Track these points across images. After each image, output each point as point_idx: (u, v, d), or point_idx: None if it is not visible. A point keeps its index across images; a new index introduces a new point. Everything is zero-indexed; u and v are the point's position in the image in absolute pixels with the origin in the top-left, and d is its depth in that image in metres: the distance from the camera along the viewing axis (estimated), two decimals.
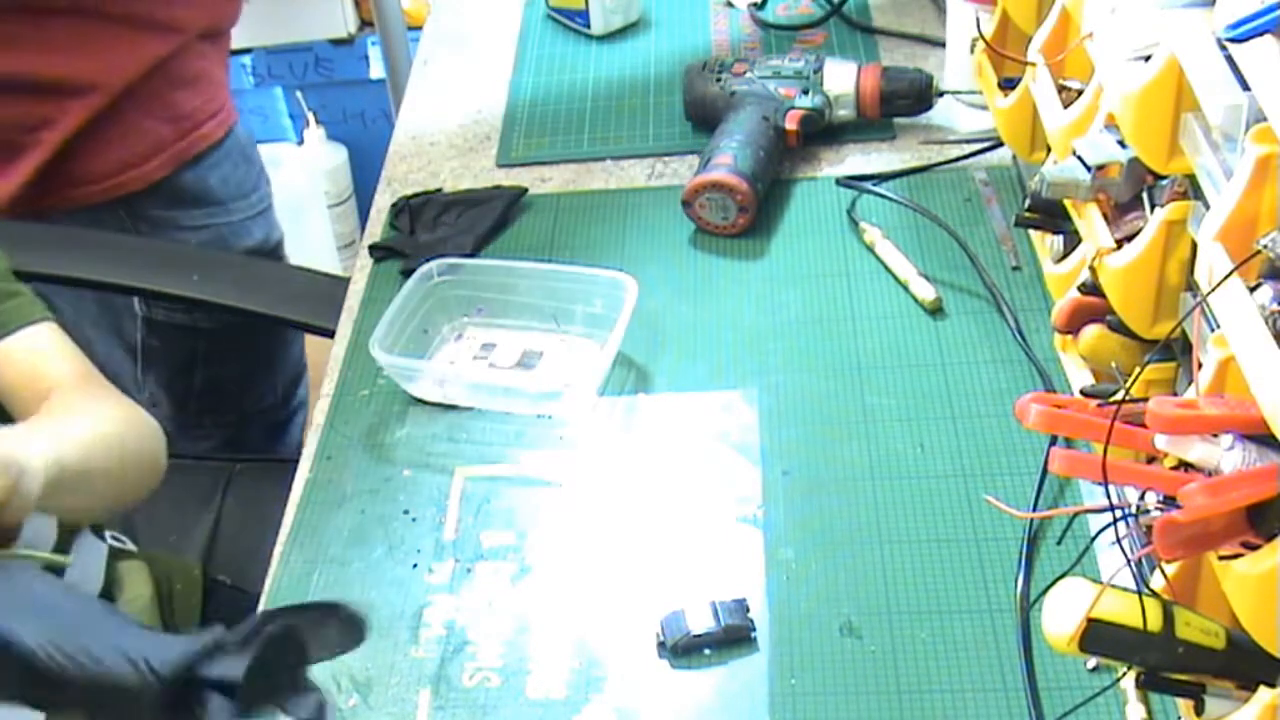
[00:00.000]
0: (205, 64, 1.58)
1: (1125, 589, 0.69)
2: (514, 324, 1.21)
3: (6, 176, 1.51)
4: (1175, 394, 0.89)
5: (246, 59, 2.71)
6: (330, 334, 1.26)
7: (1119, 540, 0.71)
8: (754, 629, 0.93)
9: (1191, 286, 0.85)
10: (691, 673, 0.92)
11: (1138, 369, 0.89)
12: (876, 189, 1.30)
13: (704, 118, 1.40)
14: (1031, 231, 1.16)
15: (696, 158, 1.32)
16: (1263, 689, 0.70)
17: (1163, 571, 0.77)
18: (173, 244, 1.63)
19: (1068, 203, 0.96)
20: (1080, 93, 0.98)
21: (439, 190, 1.38)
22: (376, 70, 2.71)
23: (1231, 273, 0.70)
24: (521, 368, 1.17)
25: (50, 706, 0.75)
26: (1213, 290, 0.71)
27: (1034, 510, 0.99)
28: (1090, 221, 0.92)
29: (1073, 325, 0.97)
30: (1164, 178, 0.87)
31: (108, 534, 1.22)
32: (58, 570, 0.91)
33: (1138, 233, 0.87)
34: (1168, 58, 0.79)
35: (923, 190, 1.31)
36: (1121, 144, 0.90)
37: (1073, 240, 1.00)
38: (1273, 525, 0.67)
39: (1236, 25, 0.70)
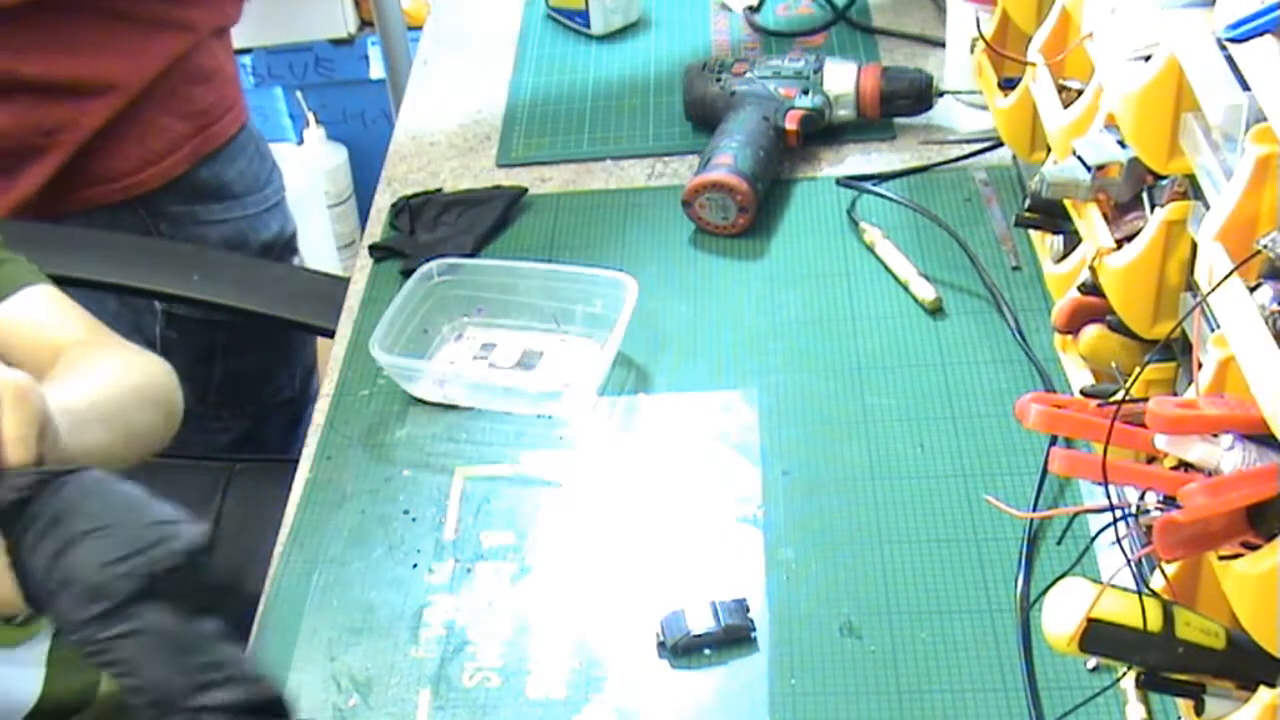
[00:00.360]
0: (217, 61, 1.59)
1: (1125, 589, 0.69)
2: (514, 324, 1.21)
3: (27, 178, 1.51)
4: (1175, 394, 0.89)
5: (246, 59, 2.71)
6: (330, 334, 1.26)
7: (1119, 540, 0.71)
8: (754, 629, 0.93)
9: (1191, 286, 0.85)
10: (691, 673, 0.92)
11: (1138, 369, 0.89)
12: (876, 189, 1.30)
13: (704, 118, 1.40)
14: (1031, 231, 1.16)
15: (696, 158, 1.32)
16: (1263, 689, 0.70)
17: (1163, 571, 0.77)
18: (173, 244, 1.63)
19: (1068, 203, 0.96)
20: (1080, 93, 0.98)
21: (439, 190, 1.38)
22: (376, 70, 2.71)
23: (1231, 273, 0.70)
24: (521, 368, 1.18)
25: None
26: (1213, 290, 0.71)
27: (1034, 510, 0.99)
28: (1090, 221, 0.92)
29: (1073, 325, 0.97)
30: (1164, 178, 0.87)
31: None
32: None
33: (1138, 233, 0.87)
34: (1168, 58, 0.79)
35: (923, 190, 1.31)
36: (1121, 144, 0.90)
37: (1073, 240, 1.00)
38: (1273, 525, 0.67)
39: (1236, 25, 0.70)
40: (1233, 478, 0.66)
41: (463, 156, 1.45)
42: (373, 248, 1.32)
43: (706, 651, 0.93)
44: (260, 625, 0.99)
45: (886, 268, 1.22)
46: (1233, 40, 0.71)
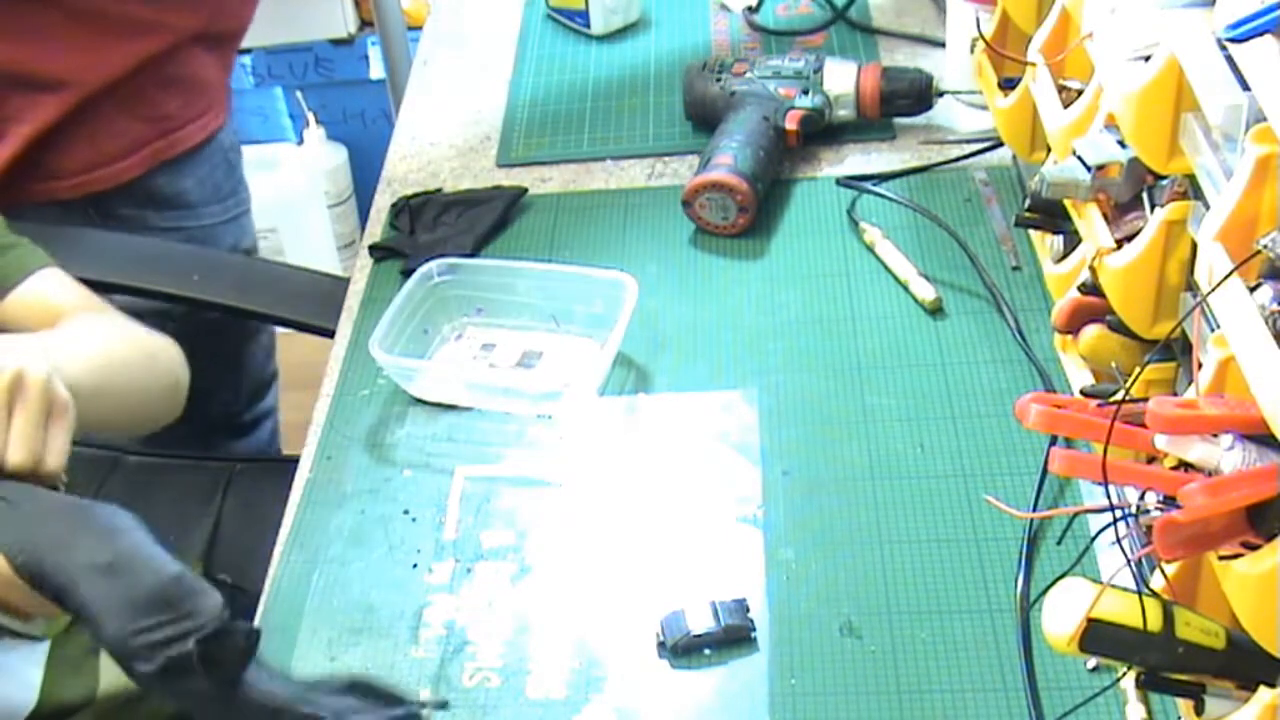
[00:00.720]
0: (196, 68, 1.56)
1: (1125, 589, 0.69)
2: (514, 324, 1.21)
3: None
4: (1175, 394, 0.89)
5: (246, 59, 2.71)
6: (330, 334, 1.26)
7: (1119, 540, 0.71)
8: (754, 629, 0.93)
9: (1191, 286, 0.85)
10: (691, 673, 0.92)
11: (1138, 369, 0.89)
12: (876, 189, 1.30)
13: (704, 118, 1.40)
14: (1031, 231, 1.16)
15: (696, 158, 1.32)
16: (1263, 689, 0.70)
17: (1163, 571, 0.77)
18: (173, 244, 1.63)
19: (1068, 203, 0.96)
20: (1080, 93, 0.98)
21: (439, 190, 1.38)
22: (376, 70, 2.71)
23: (1231, 273, 0.70)
24: (521, 368, 1.18)
25: None
26: (1213, 290, 0.71)
27: (1034, 510, 0.99)
28: (1090, 221, 0.92)
29: (1073, 325, 0.97)
30: (1164, 178, 0.87)
31: None
32: None
33: (1138, 233, 0.87)
34: (1168, 58, 0.79)
35: (923, 190, 1.31)
36: (1121, 144, 0.90)
37: (1073, 240, 1.00)
38: (1273, 525, 0.67)
39: (1236, 25, 0.70)
40: (1233, 478, 0.66)
41: (463, 156, 1.45)
42: (373, 248, 1.32)
43: (706, 651, 0.93)
44: (260, 625, 0.99)
45: (886, 268, 1.22)
46: (1233, 40, 0.71)
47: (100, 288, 1.45)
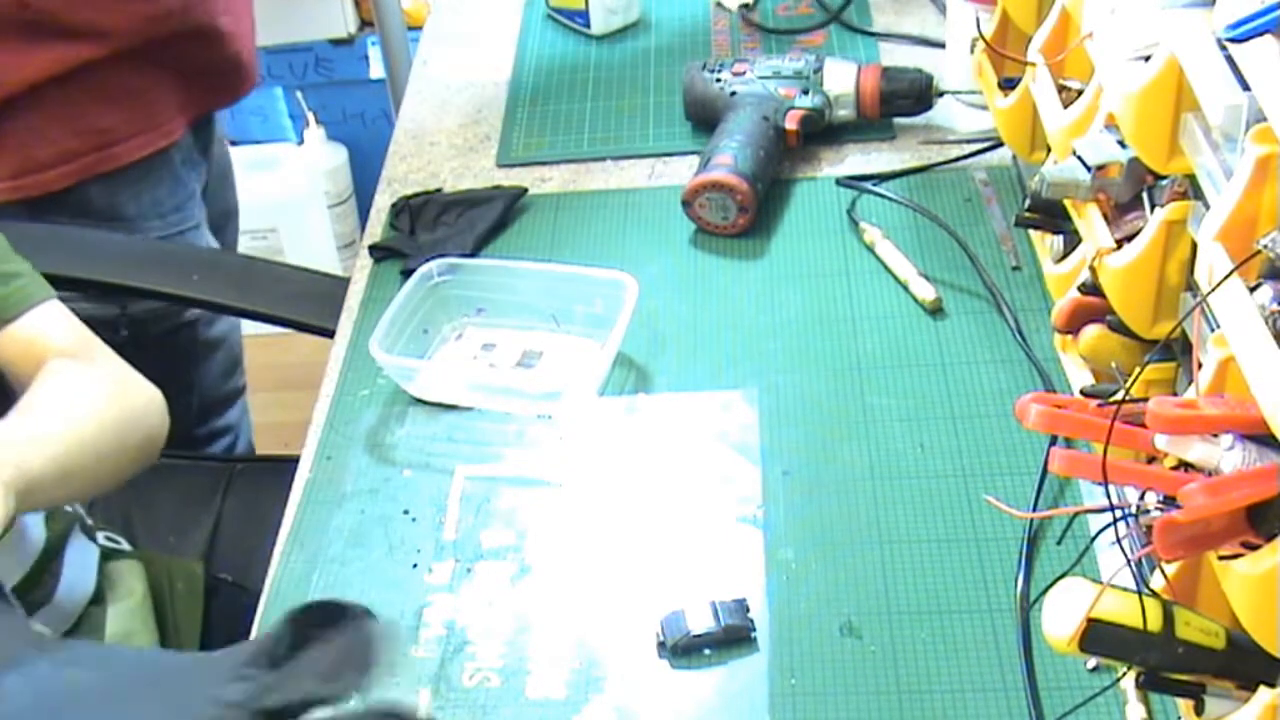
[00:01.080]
0: (143, 83, 1.51)
1: (1125, 589, 0.69)
2: (514, 324, 1.21)
3: None
4: (1175, 394, 0.89)
5: None
6: (330, 334, 1.26)
7: (1119, 540, 0.71)
8: (754, 629, 0.93)
9: (1191, 286, 0.85)
10: (691, 673, 0.92)
11: (1138, 369, 0.89)
12: (876, 189, 1.30)
13: (704, 118, 1.40)
14: (1031, 231, 1.16)
15: (696, 158, 1.32)
16: (1263, 689, 0.70)
17: (1163, 571, 0.77)
18: (173, 244, 1.62)
19: (1068, 203, 0.96)
20: (1080, 93, 0.98)
21: (439, 190, 1.38)
22: (376, 70, 2.71)
23: (1231, 273, 0.70)
24: (521, 368, 1.18)
25: None
26: (1213, 290, 0.71)
27: (1034, 510, 0.99)
28: (1090, 221, 0.92)
29: (1073, 325, 0.97)
30: (1164, 178, 0.87)
31: (100, 535, 1.22)
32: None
33: (1138, 233, 0.87)
34: (1168, 58, 0.79)
35: (923, 190, 1.31)
36: (1121, 144, 0.90)
37: (1073, 240, 1.00)
38: (1273, 525, 0.67)
39: (1236, 25, 0.70)
40: (1233, 478, 0.66)
41: (463, 156, 1.45)
42: (373, 248, 1.32)
43: (706, 651, 0.93)
44: (260, 625, 0.99)
45: (886, 268, 1.22)
46: (1233, 40, 0.71)
47: (100, 288, 1.46)
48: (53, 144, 1.48)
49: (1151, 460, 0.75)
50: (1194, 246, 0.81)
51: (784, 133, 1.33)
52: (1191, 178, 0.82)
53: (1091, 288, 0.94)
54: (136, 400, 1.12)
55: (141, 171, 1.55)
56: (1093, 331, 0.95)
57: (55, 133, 1.48)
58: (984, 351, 1.13)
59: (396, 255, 1.30)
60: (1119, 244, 0.89)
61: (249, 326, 1.98)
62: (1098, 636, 0.68)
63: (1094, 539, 0.93)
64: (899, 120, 1.39)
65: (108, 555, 1.18)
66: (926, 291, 1.17)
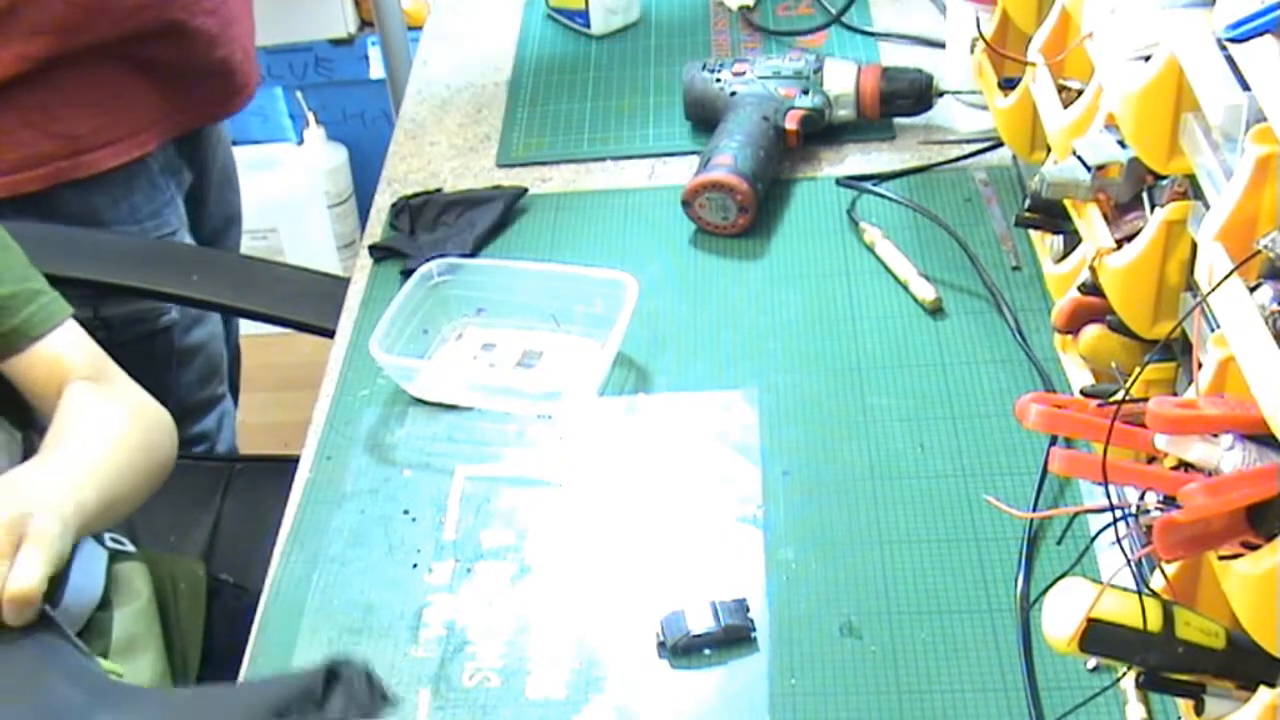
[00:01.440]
0: (116, 87, 1.49)
1: (1125, 589, 0.69)
2: (514, 324, 1.21)
3: None
4: (1175, 394, 0.89)
5: None
6: (330, 334, 1.26)
7: (1119, 540, 0.71)
8: (754, 629, 0.93)
9: (1191, 286, 0.85)
10: (691, 673, 0.92)
11: (1138, 369, 0.89)
12: (876, 189, 1.30)
13: (704, 118, 1.40)
14: (1031, 231, 1.16)
15: (696, 158, 1.32)
16: (1263, 689, 0.70)
17: (1163, 571, 0.77)
18: (173, 244, 1.62)
19: (1068, 203, 0.96)
20: (1080, 93, 0.98)
21: (439, 190, 1.38)
22: (376, 70, 2.70)
23: (1231, 273, 0.70)
24: (521, 368, 1.18)
25: None
26: (1213, 290, 0.71)
27: (1034, 510, 0.99)
28: (1090, 221, 0.92)
29: (1073, 325, 0.97)
30: (1164, 178, 0.87)
31: (106, 536, 1.22)
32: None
33: (1138, 233, 0.87)
34: (1168, 58, 0.79)
35: (923, 190, 1.31)
36: (1121, 144, 0.90)
37: (1073, 240, 1.00)
38: (1273, 525, 0.67)
39: (1236, 25, 0.70)
40: (1233, 478, 0.66)
41: (463, 156, 1.45)
42: (373, 248, 1.32)
43: (706, 651, 0.93)
44: (260, 625, 0.99)
45: (886, 268, 1.22)
46: (1233, 40, 0.71)
47: (100, 288, 1.46)
48: (22, 145, 1.47)
49: (1151, 460, 0.75)
50: (1194, 246, 0.81)
51: (784, 133, 1.33)
52: (1191, 178, 0.82)
53: (1091, 288, 0.94)
54: (152, 421, 1.14)
55: (118, 177, 1.53)
56: (1093, 331, 0.95)
57: (25, 134, 1.46)
58: (984, 351, 1.13)
59: (396, 255, 1.30)
60: (1119, 244, 0.89)
61: (249, 326, 1.98)
62: (1098, 636, 0.68)
63: (1094, 539, 0.93)
64: (899, 120, 1.39)
65: (113, 557, 1.18)
66: (926, 291, 1.17)
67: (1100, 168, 0.91)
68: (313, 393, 1.17)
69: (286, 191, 2.74)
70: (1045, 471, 1.01)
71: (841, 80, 1.36)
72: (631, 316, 1.13)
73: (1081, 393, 0.96)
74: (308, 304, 1.41)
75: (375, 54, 2.71)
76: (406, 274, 1.24)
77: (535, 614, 0.97)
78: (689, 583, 0.97)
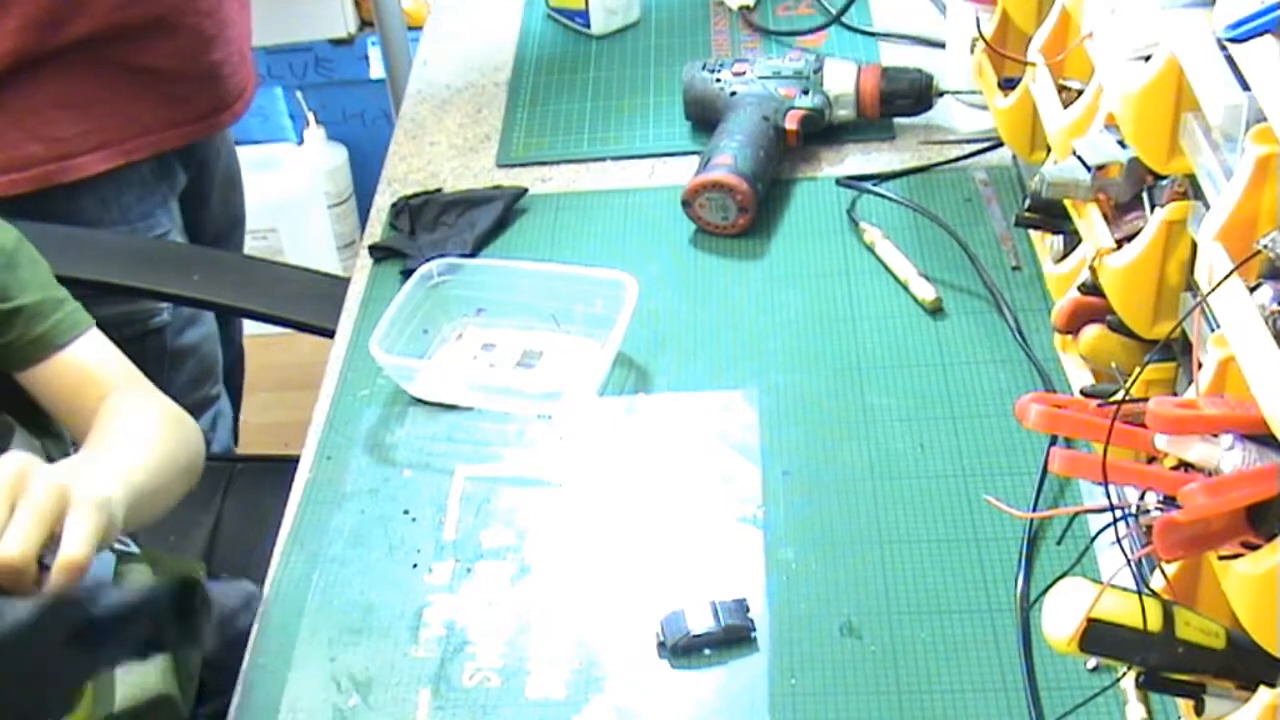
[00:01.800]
0: (108, 92, 1.49)
1: (1125, 589, 0.69)
2: (514, 324, 1.21)
3: None
4: (1175, 394, 0.89)
5: None
6: (330, 334, 1.26)
7: (1119, 540, 0.71)
8: (754, 629, 0.93)
9: (1191, 286, 0.85)
10: (691, 673, 0.92)
11: (1138, 369, 0.89)
12: (876, 189, 1.30)
13: (704, 118, 1.40)
14: (1031, 231, 1.16)
15: (696, 158, 1.32)
16: (1263, 689, 0.70)
17: (1163, 571, 0.77)
18: (172, 244, 1.62)
19: (1068, 203, 0.96)
20: (1080, 93, 0.98)
21: (439, 190, 1.38)
22: (376, 70, 2.70)
23: (1231, 273, 0.70)
24: (521, 368, 1.18)
25: None
26: (1213, 290, 0.71)
27: (1034, 510, 0.99)
28: (1090, 221, 0.92)
29: (1073, 325, 0.97)
30: (1164, 178, 0.87)
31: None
32: None
33: (1138, 233, 0.87)
34: (1168, 58, 0.79)
35: (923, 190, 1.31)
36: (1121, 144, 0.90)
37: (1073, 240, 1.00)
38: (1273, 525, 0.67)
39: (1236, 25, 0.70)
40: (1233, 478, 0.66)
41: (463, 156, 1.45)
42: (373, 248, 1.32)
43: (706, 651, 0.93)
44: (260, 625, 0.99)
45: (886, 268, 1.22)
46: (1233, 40, 0.71)
47: (100, 288, 1.46)
48: (11, 148, 1.47)
49: (1151, 460, 0.75)
50: (1194, 246, 0.81)
51: (784, 133, 1.33)
52: (1191, 178, 0.82)
53: (1091, 288, 0.94)
54: (185, 427, 1.15)
55: (108, 181, 1.53)
56: (1093, 331, 0.95)
57: (14, 136, 1.46)
58: (984, 351, 1.13)
59: (396, 255, 1.30)
60: (1119, 244, 0.89)
61: (249, 326, 1.98)
62: (1098, 636, 0.68)
63: (1094, 539, 0.93)
64: (899, 120, 1.39)
65: (119, 557, 1.18)
66: (926, 291, 1.17)
67: (1100, 168, 0.91)
68: (313, 393, 1.17)
69: (286, 191, 2.74)
70: (1045, 471, 1.01)
71: (841, 80, 1.36)
72: (631, 316, 1.13)
73: (1081, 393, 0.96)
74: (308, 304, 1.41)
75: (375, 54, 2.71)
76: (406, 274, 1.24)
77: (535, 614, 0.97)
78: (689, 583, 0.97)
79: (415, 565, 1.01)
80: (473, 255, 1.28)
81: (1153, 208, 0.88)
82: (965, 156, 1.33)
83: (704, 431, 1.09)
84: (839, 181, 1.33)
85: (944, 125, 1.39)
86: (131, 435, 1.06)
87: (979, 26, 1.20)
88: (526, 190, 1.36)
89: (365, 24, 2.72)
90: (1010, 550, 0.97)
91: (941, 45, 1.46)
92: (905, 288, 1.19)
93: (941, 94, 1.36)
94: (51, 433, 1.22)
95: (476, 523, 1.04)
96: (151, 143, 1.56)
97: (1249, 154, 0.71)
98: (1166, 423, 0.68)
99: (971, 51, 1.25)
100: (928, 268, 1.20)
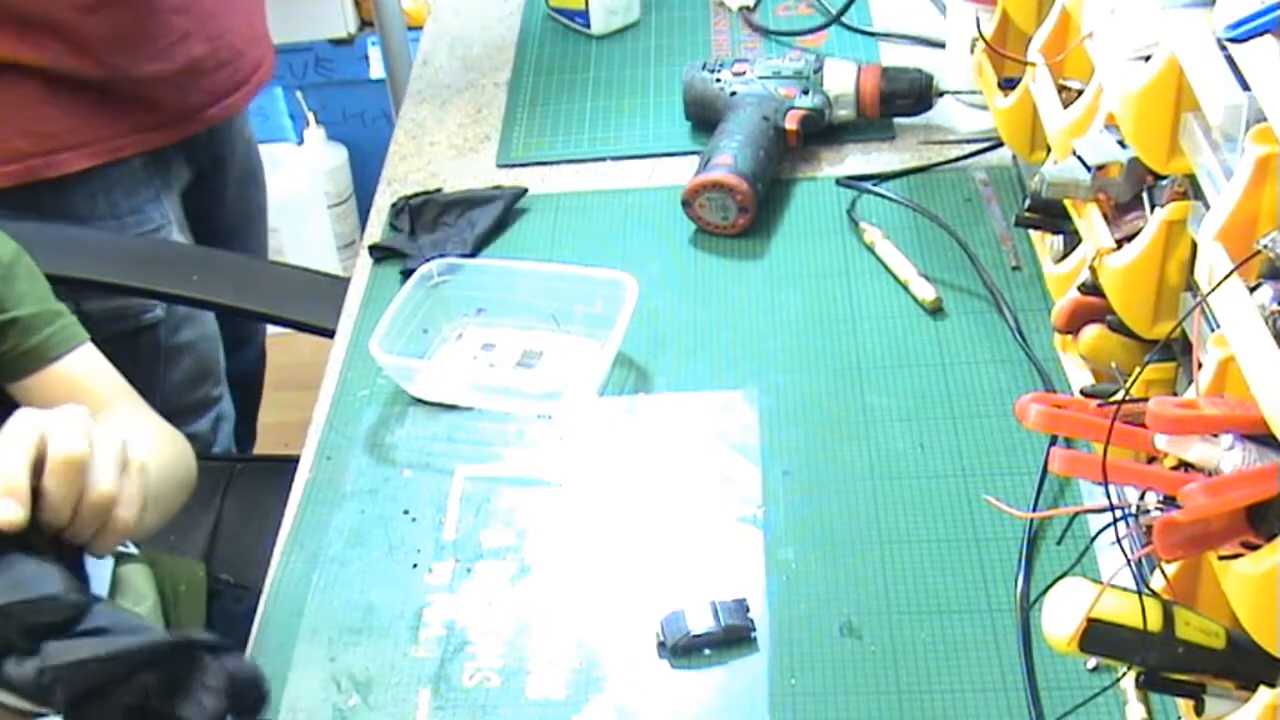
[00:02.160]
0: (92, 91, 1.49)
1: (1125, 589, 0.69)
2: (514, 324, 1.21)
3: None
4: (1175, 394, 0.89)
5: None
6: (330, 334, 1.25)
7: (1119, 540, 0.71)
8: (754, 629, 0.93)
9: (1191, 286, 0.85)
10: (691, 673, 0.92)
11: (1138, 369, 0.89)
12: (876, 189, 1.30)
13: (704, 118, 1.40)
14: (1031, 231, 1.16)
15: (696, 158, 1.32)
16: (1263, 689, 0.70)
17: (1163, 571, 0.77)
18: (173, 244, 1.62)
19: (1068, 203, 0.96)
20: (1080, 93, 0.98)
21: (439, 190, 1.38)
22: (376, 70, 2.71)
23: (1231, 273, 0.70)
24: (521, 368, 1.18)
25: None
26: (1213, 290, 0.71)
27: (1034, 510, 0.99)
28: (1090, 221, 0.92)
29: (1073, 325, 0.97)
30: (1164, 178, 0.87)
31: None
32: None
33: (1138, 233, 0.87)
34: (1168, 58, 0.79)
35: (923, 190, 1.31)
36: (1121, 144, 0.90)
37: (1073, 240, 1.00)
38: (1273, 525, 0.67)
39: (1236, 25, 0.70)
40: (1233, 478, 0.66)
41: (463, 156, 1.45)
42: (373, 248, 1.32)
43: (706, 651, 0.93)
44: (260, 625, 0.99)
45: (886, 268, 1.22)
46: (1233, 40, 0.71)
47: (100, 288, 1.46)
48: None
49: (1151, 460, 0.75)
50: (1194, 246, 0.81)
51: (784, 133, 1.33)
52: (1191, 178, 0.82)
53: (1091, 288, 0.94)
54: (179, 443, 1.15)
55: (96, 176, 1.52)
56: (1093, 331, 0.95)
57: (2, 130, 1.46)
58: (984, 351, 1.13)
59: (396, 255, 1.30)
60: (1119, 244, 0.89)
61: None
62: (1098, 636, 0.68)
63: (1094, 539, 0.93)
64: (899, 120, 1.39)
65: (117, 559, 1.18)
66: (926, 291, 1.17)
67: (1100, 168, 0.91)
68: (313, 393, 1.17)
69: (286, 191, 2.74)
70: (1045, 471, 1.01)
71: (841, 80, 1.36)
72: (631, 316, 1.13)
73: (1081, 393, 0.96)
74: (308, 304, 1.41)
75: (375, 54, 2.71)
76: (406, 274, 1.24)
77: (535, 614, 0.97)
78: (689, 583, 0.97)
79: (415, 565, 1.01)
80: (473, 255, 1.28)
81: (1153, 208, 0.88)
82: (965, 156, 1.33)
83: (704, 431, 1.09)
84: (839, 181, 1.33)
85: (944, 125, 1.39)
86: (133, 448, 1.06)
87: (979, 26, 1.20)
88: (526, 190, 1.36)
89: (365, 24, 2.72)
90: (1010, 550, 0.97)
91: (941, 45, 1.46)
92: (905, 288, 1.19)
93: (941, 94, 1.36)
94: None
95: (476, 523, 1.04)
96: (139, 140, 1.55)
97: (1249, 154, 0.71)
98: (1166, 423, 0.68)
99: (971, 51, 1.25)
100: (928, 268, 1.20)
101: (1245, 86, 0.72)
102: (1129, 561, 0.70)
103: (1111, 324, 0.93)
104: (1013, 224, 1.16)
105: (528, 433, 1.11)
